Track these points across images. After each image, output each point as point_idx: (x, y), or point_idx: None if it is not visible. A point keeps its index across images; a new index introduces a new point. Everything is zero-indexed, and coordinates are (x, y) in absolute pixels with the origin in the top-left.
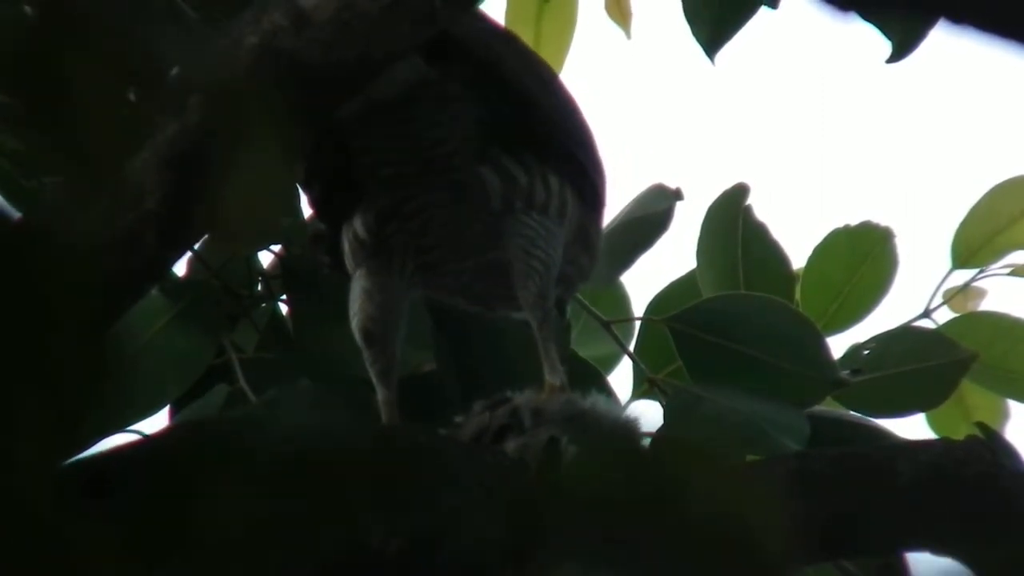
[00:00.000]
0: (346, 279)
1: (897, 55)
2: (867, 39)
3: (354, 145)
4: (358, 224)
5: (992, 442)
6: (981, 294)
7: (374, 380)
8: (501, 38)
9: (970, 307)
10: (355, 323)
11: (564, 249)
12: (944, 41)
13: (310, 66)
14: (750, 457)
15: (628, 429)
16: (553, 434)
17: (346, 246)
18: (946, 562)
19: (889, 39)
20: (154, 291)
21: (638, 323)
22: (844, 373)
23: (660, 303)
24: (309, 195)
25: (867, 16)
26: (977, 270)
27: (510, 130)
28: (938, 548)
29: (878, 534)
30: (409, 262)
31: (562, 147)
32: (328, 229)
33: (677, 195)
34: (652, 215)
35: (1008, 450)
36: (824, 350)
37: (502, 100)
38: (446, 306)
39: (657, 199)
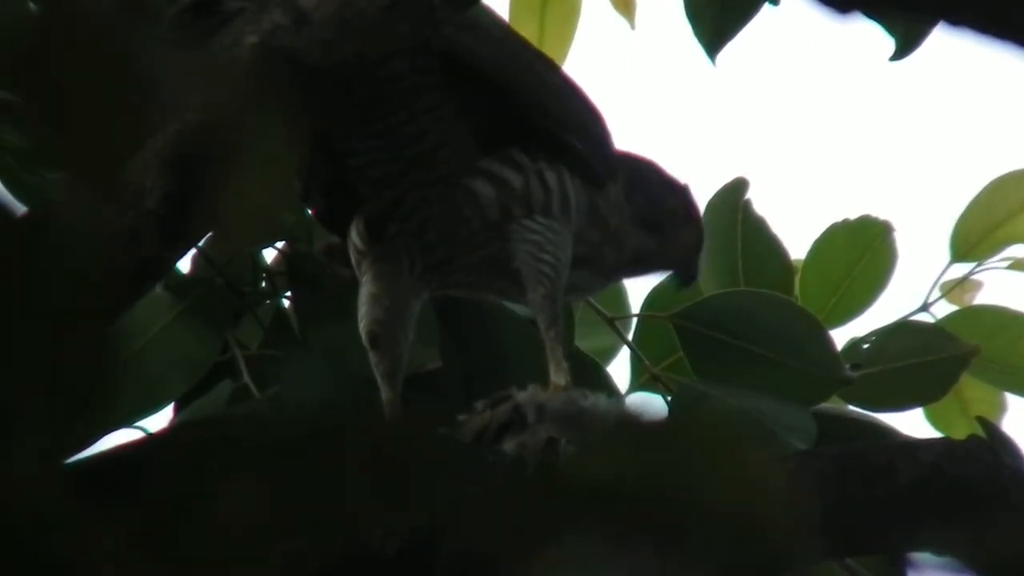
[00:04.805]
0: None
1: (901, 52)
2: (870, 36)
3: (340, 149)
4: (353, 234)
5: (993, 438)
6: (977, 287)
7: (379, 380)
8: (471, 27)
9: (966, 300)
10: (362, 327)
11: (578, 237)
12: (945, 37)
13: (310, 65)
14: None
15: (631, 424)
16: (552, 434)
17: (352, 260)
18: (947, 561)
19: (893, 36)
20: (159, 288)
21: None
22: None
23: (658, 297)
24: (311, 208)
25: (869, 15)
26: (975, 264)
27: (494, 121)
28: (938, 547)
29: (878, 533)
30: (417, 262)
31: (553, 137)
32: (340, 241)
33: None
34: None
35: (1009, 446)
36: (829, 347)
37: (476, 88)
38: (451, 303)
39: None
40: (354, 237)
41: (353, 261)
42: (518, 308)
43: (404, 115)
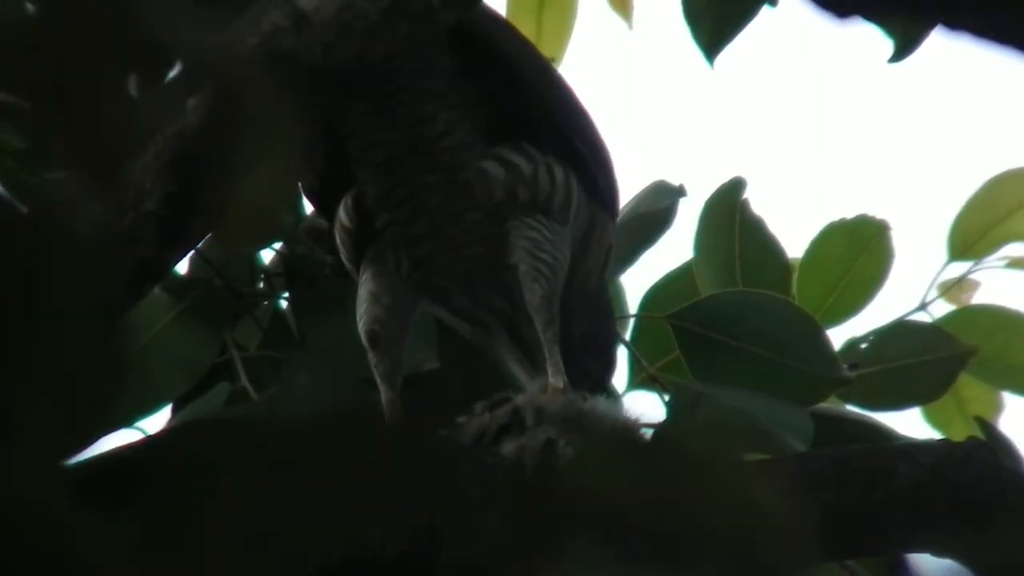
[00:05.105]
0: (348, 277)
1: (899, 54)
2: (869, 37)
3: (344, 129)
4: (341, 211)
5: (991, 439)
6: (974, 286)
7: (378, 380)
8: (492, 19)
9: (964, 299)
10: (361, 325)
11: (574, 243)
12: (943, 39)
13: (310, 67)
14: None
15: (629, 428)
16: (551, 436)
17: (337, 239)
18: (946, 562)
19: (891, 38)
20: (157, 289)
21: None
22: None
23: (656, 296)
24: (303, 187)
25: (867, 17)
26: (973, 263)
27: (505, 109)
28: (939, 549)
29: (878, 535)
30: (403, 259)
31: (561, 134)
32: (327, 225)
33: (680, 192)
34: (655, 212)
35: (1007, 448)
36: (827, 348)
37: (493, 75)
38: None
39: (659, 196)
40: (342, 215)
41: (338, 240)
42: None
43: (411, 94)
